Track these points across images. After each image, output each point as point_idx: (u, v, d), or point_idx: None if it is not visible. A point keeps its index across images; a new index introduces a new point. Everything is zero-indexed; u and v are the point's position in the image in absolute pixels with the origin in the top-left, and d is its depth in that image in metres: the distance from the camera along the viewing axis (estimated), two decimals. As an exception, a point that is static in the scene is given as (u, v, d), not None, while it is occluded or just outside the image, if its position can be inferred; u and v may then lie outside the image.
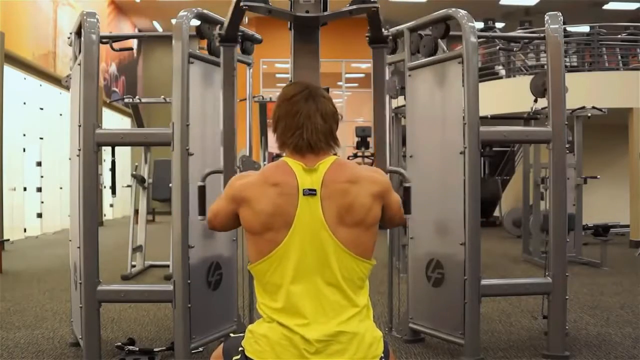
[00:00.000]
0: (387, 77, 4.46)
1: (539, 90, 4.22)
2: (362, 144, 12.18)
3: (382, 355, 1.81)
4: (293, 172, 1.81)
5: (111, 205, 14.96)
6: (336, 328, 1.75)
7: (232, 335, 2.03)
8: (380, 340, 1.82)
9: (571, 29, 11.61)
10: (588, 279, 6.53)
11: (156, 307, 4.99)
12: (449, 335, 3.75)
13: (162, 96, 6.64)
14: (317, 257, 1.77)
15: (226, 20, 2.45)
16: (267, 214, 1.78)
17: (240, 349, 1.82)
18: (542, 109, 4.95)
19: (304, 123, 1.84)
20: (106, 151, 7.31)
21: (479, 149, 3.67)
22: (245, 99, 4.33)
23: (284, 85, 2.05)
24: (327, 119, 1.87)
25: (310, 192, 1.78)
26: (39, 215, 11.45)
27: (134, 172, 7.36)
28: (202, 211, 2.68)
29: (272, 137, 1.99)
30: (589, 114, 7.69)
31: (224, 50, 3.10)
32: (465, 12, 3.69)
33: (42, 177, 11.48)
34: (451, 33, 3.87)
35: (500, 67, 12.16)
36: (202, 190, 2.68)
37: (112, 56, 16.10)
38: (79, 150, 3.52)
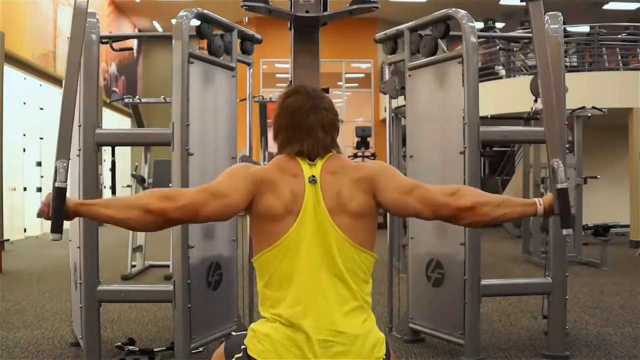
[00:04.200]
0: (387, 77, 4.47)
1: (539, 91, 4.21)
2: (362, 144, 12.19)
3: (384, 357, 1.81)
4: (299, 164, 1.86)
5: (111, 205, 14.94)
6: (338, 327, 1.75)
7: (233, 333, 2.03)
8: (382, 342, 1.82)
9: (571, 29, 11.60)
10: (588, 279, 6.53)
11: (156, 307, 4.99)
12: (449, 335, 3.75)
13: (162, 96, 6.65)
14: (321, 245, 1.79)
15: None
16: (288, 198, 1.80)
17: (242, 347, 1.82)
18: (542, 109, 4.95)
19: (304, 138, 1.87)
20: (106, 151, 7.31)
21: (479, 149, 3.67)
22: (245, 99, 4.34)
23: (284, 86, 2.06)
24: (328, 131, 1.91)
25: (313, 179, 1.83)
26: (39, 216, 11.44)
27: (134, 172, 7.36)
28: (60, 226, 1.80)
29: (272, 138, 1.99)
30: (589, 114, 7.69)
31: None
32: (465, 12, 3.69)
33: (42, 177, 11.49)
34: (451, 33, 3.87)
35: (500, 67, 12.16)
36: (63, 194, 1.79)
37: (112, 56, 16.10)
38: (79, 150, 3.52)
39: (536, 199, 1.82)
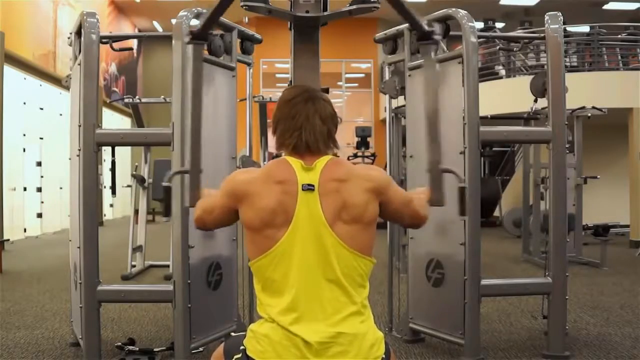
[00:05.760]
0: (387, 77, 4.47)
1: (539, 90, 4.22)
2: (362, 144, 12.20)
3: (384, 356, 1.81)
4: (293, 169, 1.82)
5: (111, 205, 14.96)
6: (336, 328, 1.75)
7: (233, 334, 2.04)
8: (381, 341, 1.82)
9: (571, 29, 11.62)
10: (588, 279, 6.53)
11: (156, 307, 4.99)
12: (449, 335, 3.75)
13: (162, 96, 6.65)
14: (317, 253, 1.78)
15: (204, 18, 2.26)
16: (269, 211, 1.78)
17: (241, 347, 1.82)
18: (542, 109, 4.95)
19: (302, 124, 1.86)
20: (106, 151, 7.31)
21: (479, 149, 3.67)
22: (245, 99, 4.34)
23: (284, 86, 2.07)
24: (325, 121, 1.89)
25: (309, 188, 1.79)
26: (39, 215, 11.45)
27: (134, 172, 7.36)
28: (168, 212, 2.49)
29: (272, 137, 1.99)
30: (589, 114, 7.69)
31: (194, 49, 2.75)
32: (465, 12, 3.69)
33: (42, 177, 11.49)
34: (451, 33, 3.87)
35: (500, 67, 12.16)
36: (168, 191, 2.45)
37: (112, 56, 16.10)
38: (79, 150, 3.52)
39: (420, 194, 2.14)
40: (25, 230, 10.85)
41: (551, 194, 3.79)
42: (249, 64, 4.12)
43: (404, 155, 6.33)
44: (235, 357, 1.83)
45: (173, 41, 3.40)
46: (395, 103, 4.78)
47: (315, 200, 1.79)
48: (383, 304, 4.78)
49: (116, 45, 4.07)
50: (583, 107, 7.63)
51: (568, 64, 10.80)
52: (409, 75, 4.09)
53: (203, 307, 3.53)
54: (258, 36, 4.15)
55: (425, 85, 2.27)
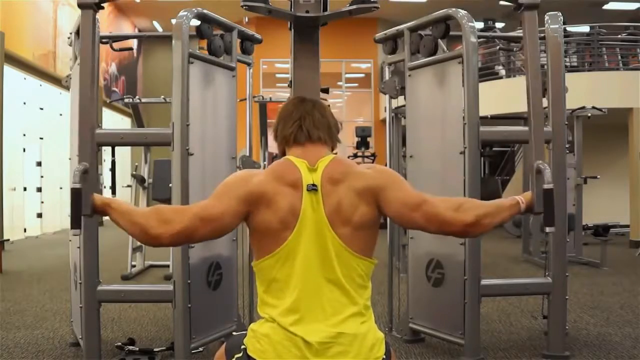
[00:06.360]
0: (387, 77, 4.47)
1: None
2: (362, 144, 12.20)
3: (384, 357, 1.81)
4: (298, 169, 1.83)
5: (111, 205, 14.95)
6: (336, 329, 1.75)
7: (234, 333, 2.04)
8: (382, 341, 1.82)
9: (571, 29, 11.60)
10: (588, 279, 6.53)
11: (156, 307, 4.99)
12: (449, 335, 3.75)
13: (162, 96, 6.65)
14: (319, 253, 1.78)
15: None
16: (286, 212, 1.78)
17: (242, 346, 1.82)
18: (542, 109, 4.95)
19: (302, 115, 1.92)
20: (106, 151, 7.32)
21: (479, 149, 3.67)
22: (245, 99, 4.34)
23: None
24: (325, 116, 1.94)
25: (313, 188, 1.79)
26: (39, 215, 11.46)
27: (134, 172, 7.36)
28: (77, 223, 1.92)
29: (272, 138, 1.99)
30: (589, 114, 7.70)
31: (89, 15, 2.36)
32: (465, 12, 3.69)
33: (42, 177, 11.50)
34: (451, 33, 3.87)
35: (500, 67, 12.16)
36: (78, 195, 1.89)
37: (112, 56, 16.10)
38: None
39: (517, 198, 1.89)
40: (25, 230, 10.85)
41: (551, 194, 3.78)
42: (249, 64, 4.13)
43: (404, 155, 6.33)
44: (236, 356, 1.83)
45: (173, 41, 3.40)
46: (395, 103, 4.78)
47: (319, 201, 1.79)
48: (383, 304, 4.78)
49: (116, 45, 4.07)
50: (583, 107, 7.63)
51: (568, 64, 10.79)
52: (409, 75, 4.09)
53: (203, 307, 3.53)
54: (258, 36, 4.15)
55: (528, 64, 2.02)
